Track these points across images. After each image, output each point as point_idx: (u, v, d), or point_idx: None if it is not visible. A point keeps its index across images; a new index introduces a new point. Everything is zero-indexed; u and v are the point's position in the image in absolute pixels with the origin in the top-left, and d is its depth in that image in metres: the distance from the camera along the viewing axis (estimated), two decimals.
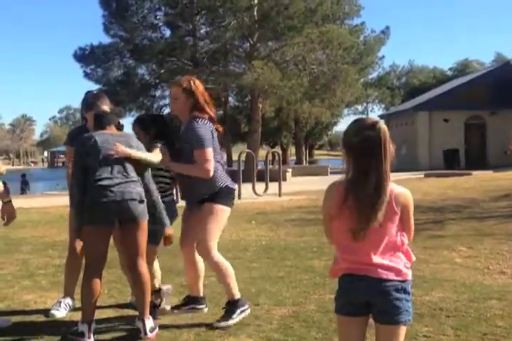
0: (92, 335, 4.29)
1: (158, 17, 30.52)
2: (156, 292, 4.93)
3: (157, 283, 5.01)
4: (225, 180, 4.66)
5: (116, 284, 5.82)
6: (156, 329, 4.42)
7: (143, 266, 4.44)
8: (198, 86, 4.69)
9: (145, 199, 4.42)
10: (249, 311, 4.73)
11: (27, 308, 5.28)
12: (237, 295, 4.72)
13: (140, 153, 4.45)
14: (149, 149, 4.65)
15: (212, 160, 4.55)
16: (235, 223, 10.78)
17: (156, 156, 4.60)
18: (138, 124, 5.02)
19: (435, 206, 12.42)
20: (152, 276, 4.85)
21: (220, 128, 4.79)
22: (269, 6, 26.60)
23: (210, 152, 4.54)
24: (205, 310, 4.99)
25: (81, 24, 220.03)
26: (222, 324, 4.57)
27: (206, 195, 4.60)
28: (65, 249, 8.17)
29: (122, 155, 4.32)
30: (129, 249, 4.43)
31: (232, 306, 4.68)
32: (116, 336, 4.54)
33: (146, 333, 4.34)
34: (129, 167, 4.39)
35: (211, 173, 4.54)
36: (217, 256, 4.66)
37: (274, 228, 10.25)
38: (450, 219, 10.60)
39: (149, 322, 4.42)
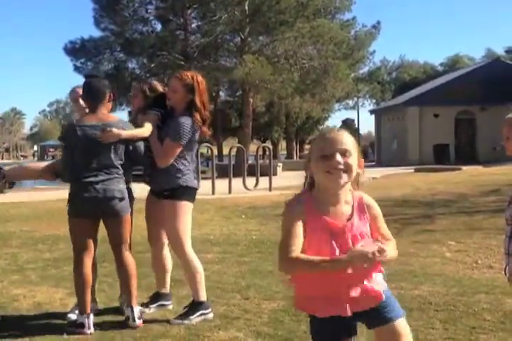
0: (92, 326, 4.37)
1: (149, 11, 30.48)
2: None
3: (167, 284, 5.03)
4: (188, 180, 4.63)
5: (107, 278, 5.82)
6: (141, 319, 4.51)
7: (126, 253, 4.57)
8: (200, 84, 4.63)
9: (126, 196, 4.52)
10: (210, 316, 4.65)
11: (16, 303, 5.27)
12: (203, 297, 4.68)
13: (131, 131, 4.45)
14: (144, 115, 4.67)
15: (173, 157, 4.54)
16: (226, 217, 10.79)
17: (148, 130, 4.56)
18: (139, 86, 4.93)
19: (425, 200, 12.46)
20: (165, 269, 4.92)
21: (208, 133, 4.78)
22: (260, 0, 26.55)
23: (178, 149, 4.54)
24: (170, 307, 4.97)
25: (71, 17, 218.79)
26: (178, 321, 4.55)
27: (166, 191, 4.59)
28: (55, 243, 8.23)
29: (112, 140, 4.33)
30: (112, 240, 4.57)
31: (193, 307, 4.64)
32: (106, 324, 4.57)
33: (134, 320, 4.46)
34: (115, 157, 4.41)
35: (165, 165, 4.53)
36: (190, 253, 4.64)
37: (264, 222, 10.25)
38: (440, 213, 10.63)
39: (137, 309, 4.52)
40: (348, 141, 2.44)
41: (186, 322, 4.55)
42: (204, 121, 4.65)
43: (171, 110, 4.72)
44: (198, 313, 4.61)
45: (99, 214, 4.45)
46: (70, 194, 4.50)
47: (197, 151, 4.89)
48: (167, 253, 4.93)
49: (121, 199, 4.46)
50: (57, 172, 4.70)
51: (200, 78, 4.67)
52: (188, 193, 4.66)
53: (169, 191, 4.59)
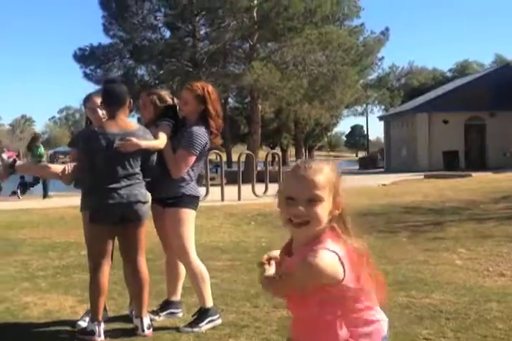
0: (102, 334, 4.37)
1: (157, 18, 30.58)
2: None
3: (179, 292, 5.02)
4: (191, 188, 4.66)
5: (116, 286, 5.82)
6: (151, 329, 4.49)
7: (142, 263, 4.54)
8: (211, 94, 4.65)
9: (149, 200, 4.55)
10: (219, 321, 4.66)
11: (27, 310, 5.27)
12: (209, 304, 4.68)
13: (149, 142, 4.45)
14: (155, 125, 4.68)
15: (188, 166, 4.58)
16: (235, 224, 10.78)
17: (163, 141, 4.56)
18: (149, 98, 4.91)
19: (435, 208, 12.40)
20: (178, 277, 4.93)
21: (219, 142, 4.80)
22: (268, 7, 26.63)
23: (192, 159, 4.56)
24: (180, 314, 4.97)
25: (80, 25, 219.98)
26: (187, 329, 4.53)
27: (169, 199, 4.60)
28: (65, 250, 8.24)
29: (131, 149, 4.33)
30: (130, 249, 4.53)
31: (201, 314, 4.64)
32: (114, 333, 4.56)
33: (143, 330, 4.44)
34: (135, 163, 4.42)
35: (179, 175, 4.57)
36: (195, 260, 4.64)
37: (273, 229, 10.21)
38: (450, 220, 10.57)
39: (146, 320, 4.50)
40: (321, 181, 2.02)
41: (196, 330, 4.54)
42: (218, 129, 4.68)
43: (183, 120, 4.74)
44: (207, 320, 4.60)
45: (123, 219, 4.42)
46: (90, 201, 4.47)
47: (206, 157, 4.89)
48: (179, 262, 4.93)
49: (145, 202, 4.49)
50: (75, 178, 4.69)
51: (210, 88, 4.69)
52: (191, 201, 4.68)
53: (172, 199, 4.60)
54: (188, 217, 4.64)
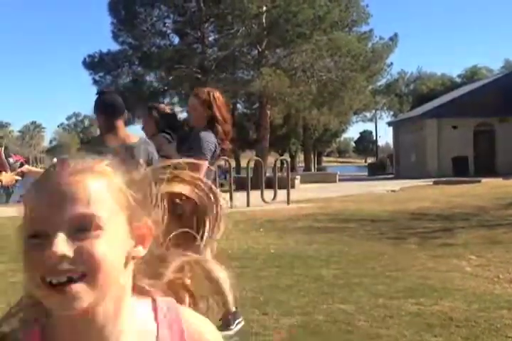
0: None
1: (166, 24, 30.69)
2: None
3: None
4: None
5: None
6: None
7: None
8: (217, 99, 4.63)
9: None
10: (243, 323, 4.72)
11: None
12: (233, 308, 4.67)
13: None
14: (155, 140, 4.66)
15: (202, 172, 4.51)
16: (244, 231, 10.77)
17: None
18: (148, 113, 4.93)
19: (444, 214, 12.37)
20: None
21: (229, 147, 4.74)
22: (277, 13, 26.69)
23: (205, 165, 4.49)
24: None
25: (90, 31, 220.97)
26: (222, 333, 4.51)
27: None
28: None
29: None
30: None
31: (227, 317, 4.62)
32: None
33: None
34: None
35: None
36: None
37: (282, 236, 10.22)
38: (459, 227, 10.54)
39: None
40: (92, 192, 0.97)
41: (225, 332, 4.50)
42: (227, 135, 4.65)
43: (191, 127, 4.75)
44: (236, 322, 4.65)
45: None
46: None
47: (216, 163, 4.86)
48: None
49: None
50: None
51: (217, 94, 4.68)
52: None
53: None
54: None
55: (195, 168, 4.46)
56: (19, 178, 4.80)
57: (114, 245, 0.96)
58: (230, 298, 4.50)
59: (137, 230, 1.02)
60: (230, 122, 4.75)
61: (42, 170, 4.18)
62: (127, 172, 1.05)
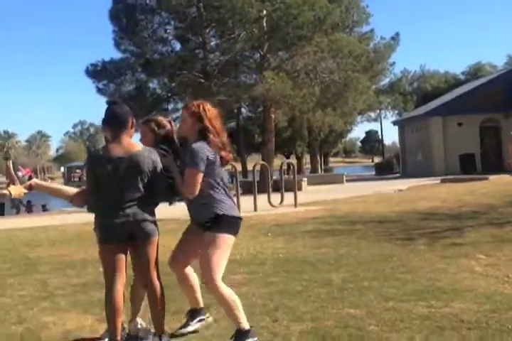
0: None
1: (168, 31, 30.70)
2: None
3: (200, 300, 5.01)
4: (226, 207, 4.53)
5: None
6: None
7: (157, 280, 4.53)
8: (208, 111, 4.59)
9: (155, 218, 4.55)
10: None
11: (47, 330, 5.28)
12: (247, 326, 4.52)
13: None
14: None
15: (197, 184, 4.44)
16: (252, 236, 10.76)
17: None
18: (147, 126, 4.92)
19: (452, 213, 12.33)
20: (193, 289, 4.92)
21: (228, 156, 4.64)
22: (278, 16, 26.66)
23: (198, 176, 4.43)
24: (210, 318, 4.98)
25: (92, 40, 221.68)
26: None
27: (208, 222, 4.50)
28: (83, 267, 8.26)
29: None
30: (142, 264, 4.53)
31: (241, 336, 4.47)
32: None
33: None
34: (141, 184, 4.43)
35: (192, 194, 4.47)
36: (223, 288, 4.50)
37: (290, 240, 10.21)
38: (468, 226, 10.51)
39: (165, 339, 4.50)
40: None
41: None
42: (224, 145, 4.62)
43: (184, 141, 4.73)
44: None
45: (131, 237, 4.43)
46: (97, 221, 4.50)
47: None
48: (190, 272, 4.91)
49: (152, 221, 4.48)
50: (86, 200, 4.73)
51: (208, 106, 4.62)
52: (229, 223, 4.52)
53: (209, 222, 4.49)
54: (225, 244, 4.50)
55: (190, 179, 4.44)
56: (26, 191, 4.84)
57: None
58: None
59: None
60: (223, 134, 4.65)
61: (49, 184, 4.17)
62: None
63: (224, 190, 4.59)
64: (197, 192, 4.46)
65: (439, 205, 13.98)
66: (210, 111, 4.61)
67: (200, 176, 4.44)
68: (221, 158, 4.55)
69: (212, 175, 4.53)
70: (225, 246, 4.50)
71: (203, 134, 4.54)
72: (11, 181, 4.72)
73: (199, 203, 4.52)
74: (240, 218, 4.63)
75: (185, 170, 4.48)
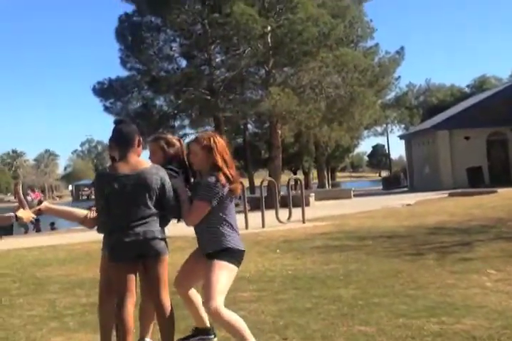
0: None
1: (173, 48, 30.88)
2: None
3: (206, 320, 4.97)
4: (232, 242, 4.57)
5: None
6: None
7: (167, 299, 4.50)
8: (218, 143, 4.64)
9: (165, 236, 4.53)
10: None
11: None
12: None
13: None
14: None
15: (200, 216, 4.51)
16: (260, 252, 10.73)
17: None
18: (157, 143, 4.93)
19: (461, 227, 12.27)
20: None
21: (238, 189, 4.66)
22: (282, 32, 26.79)
23: (205, 209, 4.50)
24: (215, 340, 4.95)
25: (98, 59, 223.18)
26: None
27: (212, 252, 4.53)
28: (92, 287, 8.23)
29: None
30: (153, 283, 4.50)
31: None
32: None
33: None
34: (150, 202, 4.43)
35: (191, 224, 4.55)
36: (226, 312, 4.45)
37: (299, 256, 10.17)
38: (477, 240, 10.44)
39: None
40: None
41: None
42: (230, 179, 4.63)
43: (198, 172, 4.78)
44: None
45: (141, 255, 4.41)
46: (106, 240, 4.50)
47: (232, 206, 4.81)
48: (194, 293, 4.89)
49: (162, 239, 4.47)
50: (97, 223, 4.73)
51: (217, 138, 4.67)
52: (232, 255, 4.55)
53: (212, 253, 4.53)
54: (227, 270, 4.51)
55: (196, 211, 4.46)
56: (35, 216, 4.86)
57: None
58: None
59: None
60: (232, 165, 4.71)
61: (59, 207, 4.16)
62: None
63: (231, 224, 4.63)
64: (197, 223, 4.54)
65: (447, 219, 13.91)
66: (220, 144, 4.66)
67: (208, 210, 4.50)
68: (231, 190, 4.58)
69: (223, 210, 4.59)
70: (226, 272, 4.51)
71: (215, 167, 4.58)
72: (21, 205, 4.73)
73: (207, 235, 4.57)
74: (244, 250, 4.68)
75: (194, 200, 4.52)
